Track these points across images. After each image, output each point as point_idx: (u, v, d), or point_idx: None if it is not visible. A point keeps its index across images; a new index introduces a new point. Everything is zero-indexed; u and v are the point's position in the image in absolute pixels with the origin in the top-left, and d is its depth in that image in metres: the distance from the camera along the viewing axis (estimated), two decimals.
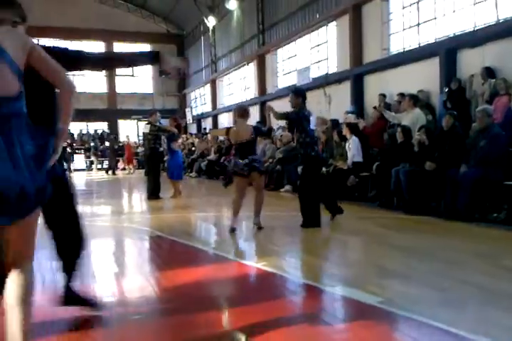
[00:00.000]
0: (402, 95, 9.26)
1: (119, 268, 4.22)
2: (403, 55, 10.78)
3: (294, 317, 2.82)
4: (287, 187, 9.84)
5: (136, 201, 10.57)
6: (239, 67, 19.71)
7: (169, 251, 5.01)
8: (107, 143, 22.95)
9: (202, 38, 23.32)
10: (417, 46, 10.48)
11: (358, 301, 2.97)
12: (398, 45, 11.18)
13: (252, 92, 18.65)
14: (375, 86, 11.63)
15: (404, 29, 10.93)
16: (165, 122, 10.73)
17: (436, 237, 5.03)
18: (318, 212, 5.68)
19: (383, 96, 10.52)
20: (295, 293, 3.34)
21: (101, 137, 25.68)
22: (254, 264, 4.03)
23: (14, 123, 1.85)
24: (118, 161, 23.29)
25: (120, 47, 26.05)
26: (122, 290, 3.44)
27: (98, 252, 4.71)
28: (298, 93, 6.02)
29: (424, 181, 6.42)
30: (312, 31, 14.41)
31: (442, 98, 8.95)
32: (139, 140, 24.48)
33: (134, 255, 4.88)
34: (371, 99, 11.44)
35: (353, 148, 8.26)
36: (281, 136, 11.42)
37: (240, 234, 5.64)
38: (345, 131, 8.56)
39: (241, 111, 5.99)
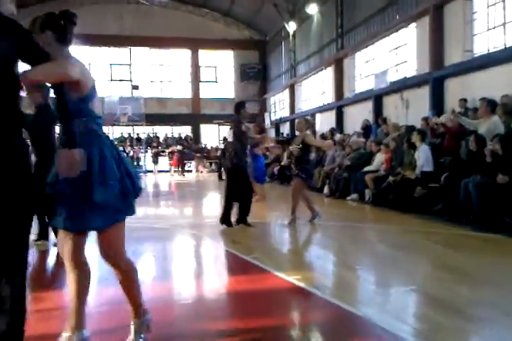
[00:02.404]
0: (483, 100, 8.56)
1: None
2: (488, 57, 9.99)
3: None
4: (354, 195, 9.48)
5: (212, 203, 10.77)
6: (317, 72, 19.48)
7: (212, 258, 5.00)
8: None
9: (283, 43, 23.38)
10: (503, 47, 9.65)
11: (387, 330, 2.69)
12: (482, 46, 10.38)
13: (329, 97, 18.34)
14: (457, 90, 10.89)
15: (488, 29, 10.13)
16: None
17: (499, 260, 4.53)
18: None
19: (464, 101, 9.82)
20: (319, 312, 3.16)
21: (185, 141, 26.64)
22: (286, 277, 3.86)
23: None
24: (198, 163, 24.10)
25: (205, 54, 26.93)
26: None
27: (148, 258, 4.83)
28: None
29: (497, 195, 5.85)
30: (391, 33, 13.85)
31: None
32: (219, 143, 25.13)
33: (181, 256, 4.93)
34: (452, 104, 10.72)
35: (422, 157, 7.76)
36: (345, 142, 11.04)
37: (280, 244, 5.51)
38: (415, 138, 8.07)
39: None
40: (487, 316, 2.95)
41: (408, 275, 4.06)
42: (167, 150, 24.58)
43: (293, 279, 3.75)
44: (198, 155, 23.88)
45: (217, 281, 3.92)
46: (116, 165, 2.26)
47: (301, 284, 3.61)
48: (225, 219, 6.39)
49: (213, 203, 10.92)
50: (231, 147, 6.64)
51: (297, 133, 7.19)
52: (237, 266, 4.53)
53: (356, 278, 4.07)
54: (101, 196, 2.17)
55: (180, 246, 5.74)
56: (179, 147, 23.48)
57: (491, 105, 7.10)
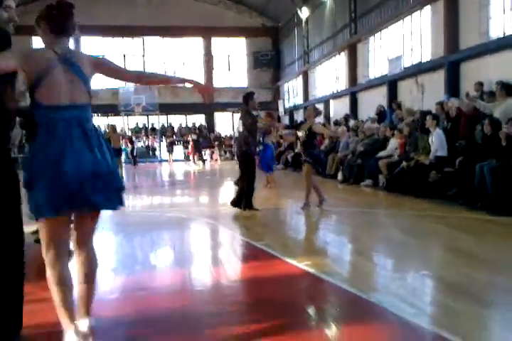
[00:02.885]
0: (498, 83, 8.40)
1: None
2: (503, 40, 9.76)
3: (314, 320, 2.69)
4: (368, 181, 9.44)
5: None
6: (330, 58, 19.29)
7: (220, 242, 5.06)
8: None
9: (295, 29, 23.14)
10: None
11: (400, 316, 2.66)
12: (498, 29, 10.14)
13: (343, 83, 18.17)
14: (472, 74, 10.69)
15: (504, 12, 9.88)
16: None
17: (506, 242, 4.50)
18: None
19: (480, 84, 9.64)
20: (330, 298, 3.19)
21: (199, 130, 26.72)
22: (296, 264, 3.88)
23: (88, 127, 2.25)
24: (213, 152, 24.16)
25: (218, 42, 26.81)
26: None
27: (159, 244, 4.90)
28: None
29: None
30: (405, 17, 13.60)
31: None
32: (233, 132, 25.15)
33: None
34: (467, 88, 10.51)
35: (436, 142, 7.69)
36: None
37: (291, 229, 5.55)
38: (429, 123, 7.98)
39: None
40: (502, 301, 2.94)
41: (421, 260, 4.06)
42: (182, 139, 24.69)
43: (304, 265, 3.77)
44: (214, 143, 23.90)
45: (229, 268, 3.97)
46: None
47: (312, 270, 3.62)
48: (236, 202, 6.69)
49: (227, 191, 10.99)
50: (240, 136, 7.00)
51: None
52: (248, 252, 4.58)
53: (368, 263, 4.08)
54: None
55: (192, 233, 5.81)
56: (194, 136, 23.56)
57: (505, 88, 6.99)
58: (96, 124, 2.48)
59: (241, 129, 7.09)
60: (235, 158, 17.32)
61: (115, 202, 2.28)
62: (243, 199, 6.64)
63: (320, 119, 7.45)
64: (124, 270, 3.87)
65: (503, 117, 6.66)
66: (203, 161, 21.80)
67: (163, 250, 4.80)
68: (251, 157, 6.71)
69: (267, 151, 9.94)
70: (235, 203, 6.72)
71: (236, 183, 6.96)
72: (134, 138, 23.32)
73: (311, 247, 4.82)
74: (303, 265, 3.78)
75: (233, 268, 3.96)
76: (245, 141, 6.61)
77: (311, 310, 2.92)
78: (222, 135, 25.66)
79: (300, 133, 7.17)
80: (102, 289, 3.10)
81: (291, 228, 6.11)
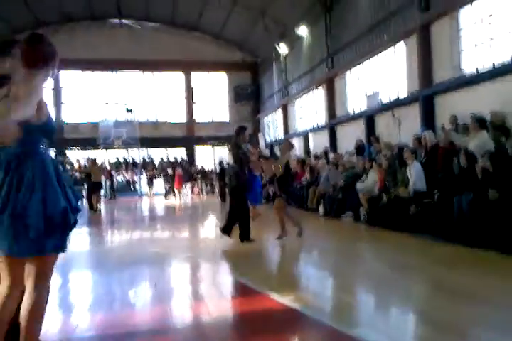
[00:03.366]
0: (472, 117, 8.60)
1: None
2: (475, 74, 10.10)
3: None
4: (348, 213, 9.43)
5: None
6: (308, 92, 19.67)
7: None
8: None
9: (274, 64, 23.65)
10: (491, 64, 9.77)
11: None
12: (470, 64, 10.50)
13: (322, 116, 18.46)
14: (447, 107, 10.97)
15: (476, 45, 10.27)
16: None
17: (495, 278, 4.48)
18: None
19: (454, 117, 9.87)
20: (312, 333, 3.09)
21: (180, 163, 26.63)
22: (278, 298, 3.78)
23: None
24: (193, 186, 24.01)
25: (198, 76, 27.19)
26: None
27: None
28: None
29: (489, 212, 5.82)
30: (379, 52, 14.03)
31: None
32: (214, 165, 25.11)
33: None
34: (442, 121, 10.78)
35: (414, 175, 7.76)
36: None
37: (272, 263, 5.45)
38: (407, 156, 8.08)
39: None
40: (485, 336, 2.89)
41: (403, 294, 4.01)
42: (162, 173, 24.48)
43: (286, 300, 3.69)
44: (197, 176, 23.76)
45: (211, 304, 3.84)
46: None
47: (295, 305, 3.55)
48: (225, 229, 6.85)
49: (208, 225, 10.86)
50: (231, 170, 7.28)
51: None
52: (230, 287, 4.47)
53: (351, 298, 4.00)
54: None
55: (172, 269, 5.65)
56: (180, 170, 23.47)
57: (479, 122, 7.14)
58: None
59: (231, 162, 7.35)
60: (215, 191, 17.30)
61: None
62: (233, 226, 6.85)
63: (293, 153, 7.66)
64: (100, 308, 3.72)
65: (478, 150, 6.77)
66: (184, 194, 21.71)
67: (142, 287, 4.65)
68: (242, 191, 6.86)
69: (256, 183, 9.82)
70: (224, 230, 6.88)
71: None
72: (113, 172, 23.13)
73: (293, 282, 4.72)
74: (285, 300, 3.70)
75: (214, 304, 3.83)
76: (236, 175, 6.85)
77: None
78: (206, 168, 25.59)
79: (276, 168, 7.27)
80: (80, 327, 2.98)
81: (273, 262, 6.01)
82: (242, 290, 4.24)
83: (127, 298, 4.14)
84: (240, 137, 6.92)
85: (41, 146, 2.33)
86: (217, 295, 4.20)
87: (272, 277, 4.88)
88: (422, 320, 3.33)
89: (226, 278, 4.89)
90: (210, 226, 10.63)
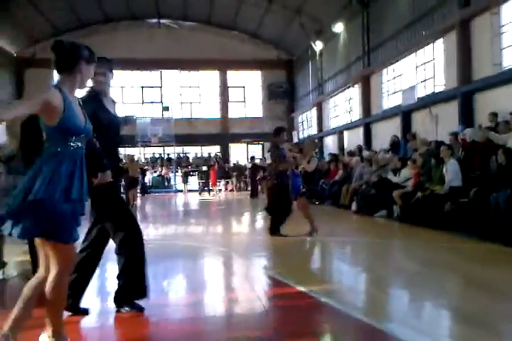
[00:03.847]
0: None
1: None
2: None
3: None
4: (382, 211, 9.34)
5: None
6: (344, 90, 19.51)
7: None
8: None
9: (310, 62, 23.56)
10: None
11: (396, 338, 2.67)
12: (511, 60, 10.21)
13: (356, 114, 18.31)
14: (486, 104, 10.71)
15: None
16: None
17: None
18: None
19: (494, 115, 9.63)
20: (343, 327, 3.12)
21: (215, 160, 26.88)
22: (309, 292, 3.82)
23: None
24: (227, 183, 24.22)
25: (233, 74, 27.40)
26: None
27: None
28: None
29: None
30: (418, 49, 13.79)
31: None
32: (248, 162, 25.23)
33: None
34: (482, 119, 10.53)
35: (451, 172, 7.63)
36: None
37: (306, 259, 5.48)
38: (444, 153, 7.95)
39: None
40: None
41: (436, 291, 3.96)
42: (197, 170, 24.78)
43: (317, 294, 3.72)
44: (233, 173, 23.91)
45: (241, 296, 3.93)
46: None
47: (326, 299, 3.56)
48: (273, 230, 7.00)
49: (240, 220, 10.97)
50: (270, 169, 7.76)
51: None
52: (261, 280, 4.53)
53: (382, 293, 4.00)
54: None
55: (205, 262, 5.77)
56: (215, 167, 23.76)
57: None
58: None
59: (269, 161, 7.68)
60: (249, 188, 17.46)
61: None
62: (279, 226, 7.02)
63: (315, 152, 7.91)
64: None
65: None
66: (218, 190, 21.90)
67: (176, 278, 4.78)
68: (283, 188, 7.04)
69: (296, 179, 9.96)
70: (272, 230, 7.02)
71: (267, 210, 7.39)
72: (147, 168, 23.52)
73: (323, 276, 4.75)
74: (316, 294, 3.73)
75: (245, 296, 3.91)
76: (276, 173, 7.07)
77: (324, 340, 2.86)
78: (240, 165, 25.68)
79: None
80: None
81: (305, 257, 6.02)
82: (272, 283, 4.30)
83: (162, 287, 4.25)
84: (278, 137, 7.12)
85: (63, 145, 2.50)
86: (247, 288, 4.28)
87: (303, 272, 4.89)
88: (454, 316, 3.31)
89: (257, 272, 4.95)
90: (242, 222, 10.74)
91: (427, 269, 4.84)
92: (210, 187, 21.92)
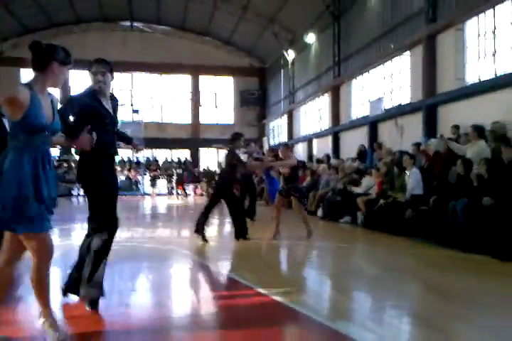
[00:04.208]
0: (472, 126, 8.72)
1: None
2: (478, 85, 10.24)
3: None
4: (346, 218, 9.55)
5: None
6: (314, 98, 19.85)
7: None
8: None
9: (282, 70, 23.87)
10: (493, 76, 9.91)
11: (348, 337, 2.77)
12: (473, 75, 10.65)
13: (326, 123, 18.63)
14: (449, 117, 11.10)
15: (479, 58, 10.42)
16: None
17: (479, 280, 4.59)
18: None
19: (456, 127, 9.99)
20: (292, 324, 3.21)
21: (184, 164, 26.82)
22: (267, 293, 3.89)
23: None
24: (196, 187, 24.19)
25: (206, 79, 27.46)
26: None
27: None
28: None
29: (483, 218, 5.92)
30: (386, 62, 14.21)
31: None
32: (217, 168, 25.26)
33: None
34: (444, 131, 10.89)
35: (412, 180, 7.88)
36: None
37: (266, 261, 5.56)
38: (407, 163, 8.21)
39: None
40: (464, 332, 3.00)
41: (391, 293, 4.10)
42: (166, 173, 24.66)
43: (274, 295, 3.79)
44: (203, 179, 23.89)
45: (199, 297, 3.97)
46: None
47: (283, 300, 3.64)
48: (237, 234, 6.98)
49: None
50: (221, 170, 7.29)
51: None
52: (221, 283, 4.58)
53: (338, 294, 4.12)
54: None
55: (167, 264, 5.78)
56: (179, 170, 23.70)
57: (477, 130, 7.28)
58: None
59: (223, 166, 7.68)
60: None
61: None
62: (240, 228, 6.99)
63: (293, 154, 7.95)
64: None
65: (476, 158, 6.90)
66: (186, 195, 21.83)
67: (138, 279, 4.78)
68: (225, 185, 7.03)
69: (274, 184, 10.19)
70: (239, 235, 6.99)
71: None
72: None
73: (287, 279, 4.83)
74: (274, 295, 3.80)
75: (203, 297, 3.96)
76: (222, 174, 7.16)
77: (274, 336, 2.93)
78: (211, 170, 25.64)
79: (283, 169, 7.42)
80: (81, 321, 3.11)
81: (268, 260, 6.09)
82: (231, 285, 4.36)
83: (126, 287, 4.26)
84: (236, 143, 7.19)
85: (25, 140, 2.58)
86: (206, 289, 4.33)
87: (264, 273, 4.96)
88: (404, 316, 3.44)
89: (218, 273, 5.00)
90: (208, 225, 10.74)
91: (385, 273, 4.99)
92: (178, 192, 21.90)
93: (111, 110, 3.55)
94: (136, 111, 24.23)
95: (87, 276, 3.34)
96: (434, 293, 4.04)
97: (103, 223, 3.39)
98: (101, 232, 3.38)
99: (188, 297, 4.01)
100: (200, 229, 6.98)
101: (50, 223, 2.66)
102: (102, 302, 3.33)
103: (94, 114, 3.34)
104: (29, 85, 2.60)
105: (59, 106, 2.92)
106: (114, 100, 3.65)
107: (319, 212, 10.81)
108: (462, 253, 5.83)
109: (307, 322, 3.21)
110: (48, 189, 2.62)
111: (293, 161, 7.29)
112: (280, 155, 7.97)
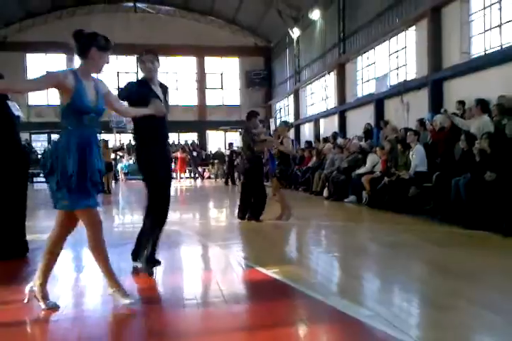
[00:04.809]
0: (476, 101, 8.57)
1: None
2: (484, 59, 10.02)
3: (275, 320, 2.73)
4: (351, 197, 9.52)
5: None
6: (320, 77, 19.60)
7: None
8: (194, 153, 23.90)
9: (287, 49, 23.56)
10: (499, 48, 9.68)
11: (344, 313, 2.79)
12: (479, 48, 10.41)
13: (332, 102, 18.44)
14: (455, 92, 10.92)
15: (485, 30, 10.17)
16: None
17: (478, 254, 4.57)
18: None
19: (461, 103, 9.82)
20: (288, 301, 3.23)
21: (192, 147, 26.82)
22: (266, 271, 3.91)
23: None
24: (204, 170, 24.24)
25: (211, 60, 27.22)
26: None
27: None
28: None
29: (486, 193, 5.87)
30: (391, 37, 13.93)
31: None
32: (225, 150, 25.21)
33: None
34: (451, 106, 10.74)
35: (416, 157, 7.81)
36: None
37: (270, 241, 5.59)
38: (410, 139, 8.12)
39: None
40: (460, 307, 2.98)
41: (390, 270, 4.10)
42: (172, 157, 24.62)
43: (272, 273, 3.81)
44: (214, 161, 23.86)
45: (200, 276, 4.01)
46: None
47: (287, 281, 3.60)
48: (242, 215, 7.03)
49: (216, 206, 11.04)
50: (243, 154, 7.56)
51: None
52: (225, 263, 4.61)
53: (338, 271, 4.13)
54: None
55: (170, 244, 5.82)
56: (180, 153, 23.69)
57: (481, 104, 7.14)
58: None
59: (241, 146, 7.56)
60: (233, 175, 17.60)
61: None
62: (246, 212, 7.02)
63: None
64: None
65: (479, 133, 6.79)
66: (195, 178, 21.94)
67: None
68: (255, 172, 6.99)
69: (273, 162, 10.16)
70: (240, 216, 7.05)
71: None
72: (122, 153, 23.26)
73: (292, 259, 4.83)
74: (272, 273, 3.82)
75: (205, 275, 3.99)
76: (248, 158, 7.02)
77: (269, 312, 2.95)
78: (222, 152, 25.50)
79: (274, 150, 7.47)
80: (94, 308, 3.15)
81: (273, 240, 6.10)
82: (238, 266, 4.37)
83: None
84: (251, 121, 7.07)
85: (71, 123, 2.91)
86: (211, 269, 4.37)
87: (269, 254, 4.96)
88: (401, 291, 3.44)
89: (223, 255, 5.01)
90: (215, 208, 10.81)
91: (387, 250, 4.99)
92: (195, 175, 22.14)
93: (161, 95, 3.80)
94: None
95: (140, 251, 3.78)
96: (436, 270, 4.03)
97: (153, 204, 3.71)
98: (152, 213, 3.72)
99: (188, 276, 4.05)
100: (254, 215, 6.93)
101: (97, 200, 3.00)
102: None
103: (144, 100, 3.56)
104: (74, 71, 2.92)
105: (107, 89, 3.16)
106: (163, 87, 3.95)
107: (325, 192, 10.78)
108: (465, 230, 5.80)
109: (305, 299, 3.21)
110: (95, 168, 2.91)
111: (293, 152, 7.33)
112: (278, 132, 7.86)
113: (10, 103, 4.56)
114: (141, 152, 3.82)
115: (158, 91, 3.82)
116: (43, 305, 2.90)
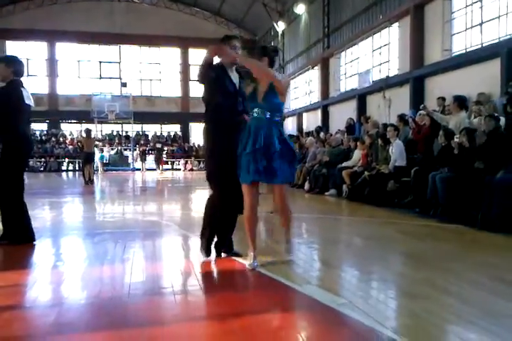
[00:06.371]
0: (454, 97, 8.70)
1: None
2: (465, 56, 10.19)
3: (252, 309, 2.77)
4: (332, 191, 9.62)
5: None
6: (304, 71, 19.66)
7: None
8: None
9: (272, 42, 23.53)
10: (479, 46, 9.84)
11: (319, 301, 2.85)
12: (460, 45, 10.57)
13: (315, 96, 18.52)
14: (436, 88, 11.09)
15: (466, 29, 10.32)
16: None
17: (451, 247, 4.68)
18: None
19: (442, 99, 9.98)
20: (263, 289, 3.27)
21: (173, 139, 26.72)
22: (242, 261, 3.96)
23: None
24: (186, 162, 24.18)
25: (195, 52, 27.03)
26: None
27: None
28: None
29: (462, 188, 5.99)
30: (374, 33, 14.04)
31: (502, 101, 8.32)
32: None
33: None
34: (432, 103, 10.90)
35: (395, 152, 7.92)
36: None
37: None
38: (390, 134, 8.22)
39: None
40: (434, 297, 3.06)
41: (366, 261, 4.15)
42: (153, 148, 24.58)
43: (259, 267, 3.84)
44: (192, 153, 23.92)
45: (179, 266, 4.03)
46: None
47: (261, 268, 3.68)
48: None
49: (194, 198, 11.05)
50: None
51: None
52: (202, 253, 4.62)
53: (314, 260, 4.19)
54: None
55: (151, 234, 5.83)
56: (158, 145, 23.63)
57: (458, 101, 7.27)
58: None
59: None
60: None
61: None
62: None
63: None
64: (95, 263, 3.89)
65: (456, 129, 6.92)
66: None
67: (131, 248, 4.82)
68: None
69: None
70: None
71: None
72: (101, 144, 23.15)
73: (264, 248, 4.87)
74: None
75: (184, 265, 4.01)
76: None
77: (243, 300, 2.99)
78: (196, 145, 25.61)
79: None
80: (70, 295, 3.14)
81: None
82: (215, 256, 4.39)
83: (118, 255, 4.30)
84: None
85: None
86: (187, 259, 4.39)
87: (247, 244, 5.01)
88: (375, 282, 3.51)
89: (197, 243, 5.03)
90: (194, 199, 10.81)
91: (363, 241, 5.08)
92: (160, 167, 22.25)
93: (236, 81, 3.89)
94: (124, 85, 23.95)
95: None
96: (410, 261, 4.12)
97: (215, 188, 3.80)
98: (213, 197, 3.83)
99: (165, 265, 4.06)
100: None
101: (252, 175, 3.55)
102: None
103: (218, 83, 3.76)
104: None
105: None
106: (239, 73, 4.01)
107: (306, 186, 10.86)
108: (441, 224, 5.92)
109: (280, 288, 3.26)
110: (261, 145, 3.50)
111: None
112: None
113: (24, 91, 4.52)
114: (209, 134, 3.87)
115: (234, 76, 3.91)
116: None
